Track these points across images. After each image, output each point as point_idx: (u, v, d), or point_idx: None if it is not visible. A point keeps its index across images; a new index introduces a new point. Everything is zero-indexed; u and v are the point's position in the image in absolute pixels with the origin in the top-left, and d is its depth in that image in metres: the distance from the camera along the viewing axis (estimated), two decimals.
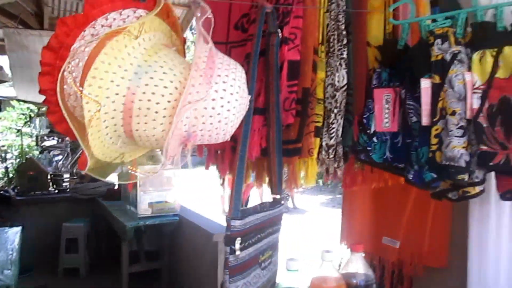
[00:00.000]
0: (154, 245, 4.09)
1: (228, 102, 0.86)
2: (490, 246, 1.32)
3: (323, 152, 1.13)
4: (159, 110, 0.83)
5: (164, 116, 0.84)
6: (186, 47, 1.08)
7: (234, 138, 1.01)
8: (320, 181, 1.61)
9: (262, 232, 1.03)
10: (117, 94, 0.83)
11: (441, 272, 1.50)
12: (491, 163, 1.01)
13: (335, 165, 1.16)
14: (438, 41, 1.09)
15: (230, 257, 0.91)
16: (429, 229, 1.46)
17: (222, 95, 0.86)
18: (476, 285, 1.34)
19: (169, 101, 0.83)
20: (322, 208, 8.98)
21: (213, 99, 0.85)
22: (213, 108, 0.85)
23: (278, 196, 1.13)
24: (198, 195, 8.81)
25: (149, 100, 0.83)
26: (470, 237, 1.35)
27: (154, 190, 3.79)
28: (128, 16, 0.90)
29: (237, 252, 0.92)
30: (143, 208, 3.73)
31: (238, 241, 0.92)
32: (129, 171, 1.00)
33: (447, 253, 1.47)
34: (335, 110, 1.12)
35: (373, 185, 1.36)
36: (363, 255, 1.18)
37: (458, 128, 1.03)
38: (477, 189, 1.07)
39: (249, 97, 0.94)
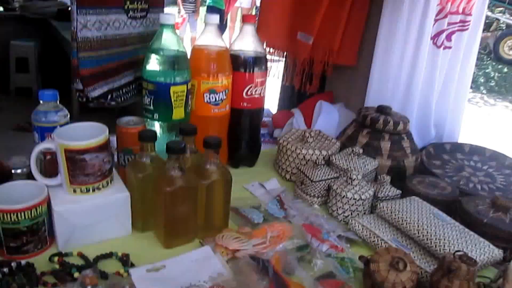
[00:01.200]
0: None
1: None
2: (396, 50, 1.32)
3: None
4: None
5: None
6: None
7: None
8: None
9: None
10: None
11: (349, 70, 1.52)
12: None
13: None
14: None
15: None
16: (343, 27, 1.43)
17: None
18: (376, 83, 1.38)
19: None
20: None
21: None
22: None
23: None
24: None
25: None
26: (378, 39, 1.34)
27: None
28: None
29: None
30: None
31: None
32: None
33: (357, 52, 1.47)
34: None
35: None
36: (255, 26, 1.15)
37: None
38: None
39: None
